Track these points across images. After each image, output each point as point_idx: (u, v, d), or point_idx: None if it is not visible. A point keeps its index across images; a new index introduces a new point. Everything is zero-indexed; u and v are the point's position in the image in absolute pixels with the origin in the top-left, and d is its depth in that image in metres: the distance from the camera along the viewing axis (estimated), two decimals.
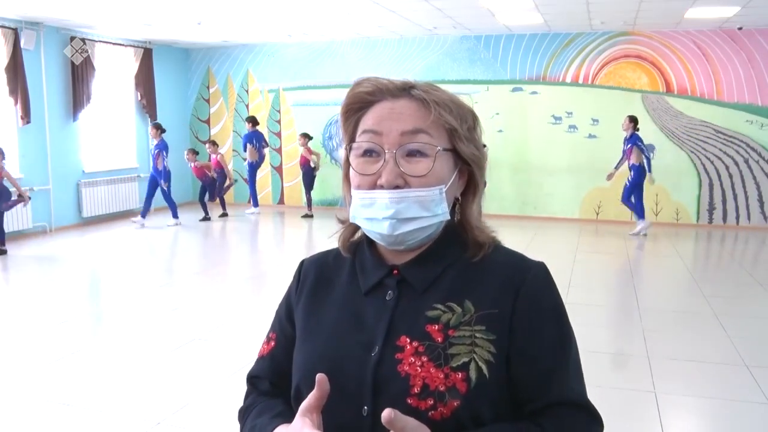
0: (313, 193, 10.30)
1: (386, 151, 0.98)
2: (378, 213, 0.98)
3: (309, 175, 10.14)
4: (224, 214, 10.10)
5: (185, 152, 9.90)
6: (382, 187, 0.97)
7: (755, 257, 7.74)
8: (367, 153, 1.00)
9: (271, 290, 5.91)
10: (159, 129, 9.20)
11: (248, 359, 4.14)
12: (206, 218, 9.77)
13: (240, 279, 6.60)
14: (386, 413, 0.83)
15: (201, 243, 8.61)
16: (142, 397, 3.57)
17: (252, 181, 10.46)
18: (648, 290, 5.82)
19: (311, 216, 10.09)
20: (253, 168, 10.40)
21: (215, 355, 4.25)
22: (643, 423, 3.30)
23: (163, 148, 9.08)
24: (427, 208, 0.98)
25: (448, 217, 1.02)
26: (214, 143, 10.20)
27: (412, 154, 0.98)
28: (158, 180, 9.09)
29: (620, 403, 3.46)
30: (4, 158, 7.32)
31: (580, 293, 5.62)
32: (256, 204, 10.50)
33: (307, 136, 9.99)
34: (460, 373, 0.92)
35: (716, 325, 4.82)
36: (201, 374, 3.90)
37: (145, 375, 3.90)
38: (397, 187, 0.97)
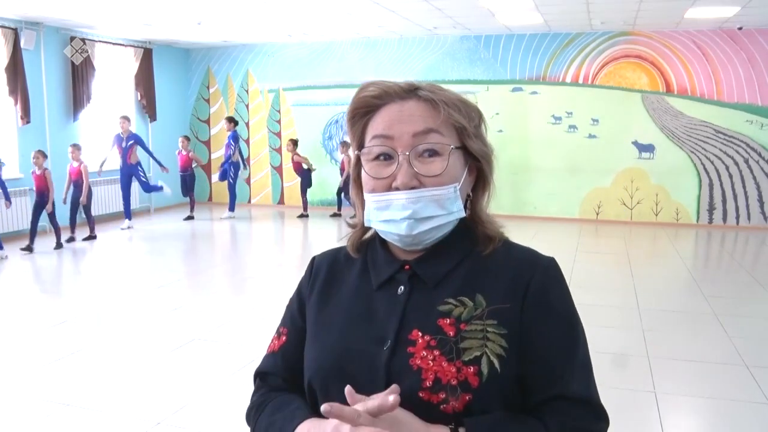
0: (312, 194, 10.30)
1: (399, 153, 0.98)
2: (395, 214, 0.99)
3: (307, 177, 10.16)
4: (92, 236, 8.35)
5: (69, 149, 8.11)
6: (397, 188, 0.98)
7: (755, 257, 7.74)
8: (380, 157, 1.01)
9: (271, 290, 5.92)
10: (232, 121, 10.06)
11: (248, 359, 4.15)
12: (66, 241, 8.06)
13: (239, 279, 6.60)
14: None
15: (200, 244, 8.61)
16: (142, 397, 3.57)
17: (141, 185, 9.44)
18: (648, 290, 5.82)
19: (307, 216, 10.10)
20: (126, 172, 9.15)
21: (215, 355, 4.25)
22: (643, 423, 3.30)
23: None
24: (443, 207, 0.99)
25: (464, 215, 1.03)
26: (76, 147, 8.15)
27: (425, 154, 0.99)
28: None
29: (620, 403, 3.46)
30: None
31: (580, 293, 5.58)
32: (128, 215, 9.34)
33: (294, 143, 10.10)
34: (472, 367, 0.93)
35: (716, 325, 4.82)
36: (201, 374, 3.90)
37: (145, 375, 3.90)
38: (412, 188, 0.98)
